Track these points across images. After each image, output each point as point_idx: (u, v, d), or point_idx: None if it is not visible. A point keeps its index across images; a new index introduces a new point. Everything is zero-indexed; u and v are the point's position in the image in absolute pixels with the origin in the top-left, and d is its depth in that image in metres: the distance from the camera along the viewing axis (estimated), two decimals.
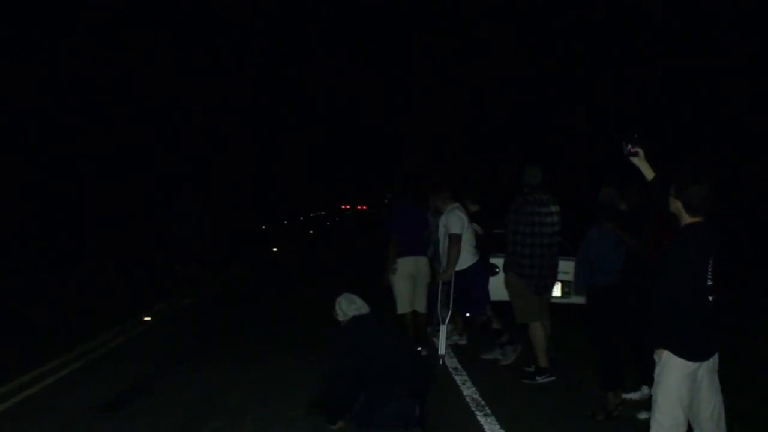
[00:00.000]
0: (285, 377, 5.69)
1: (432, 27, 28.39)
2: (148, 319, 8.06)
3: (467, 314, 6.22)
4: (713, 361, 3.31)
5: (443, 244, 6.20)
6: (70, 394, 5.18)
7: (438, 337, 6.55)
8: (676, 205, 3.34)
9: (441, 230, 6.26)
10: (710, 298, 3.21)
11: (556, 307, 6.54)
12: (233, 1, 30.73)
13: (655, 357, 3.31)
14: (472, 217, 6.60)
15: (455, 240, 6.04)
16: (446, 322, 6.19)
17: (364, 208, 56.27)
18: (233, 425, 4.52)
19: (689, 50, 16.21)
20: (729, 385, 3.65)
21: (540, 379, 5.58)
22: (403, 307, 6.41)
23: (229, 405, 4.93)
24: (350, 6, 35.46)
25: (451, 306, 6.43)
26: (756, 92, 15.04)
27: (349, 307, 4.78)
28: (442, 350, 6.11)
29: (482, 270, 6.30)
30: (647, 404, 3.57)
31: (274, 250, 18.49)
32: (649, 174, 3.64)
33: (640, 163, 3.66)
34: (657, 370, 3.31)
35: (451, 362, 6.19)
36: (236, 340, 7.13)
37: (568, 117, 19.15)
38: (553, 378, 5.59)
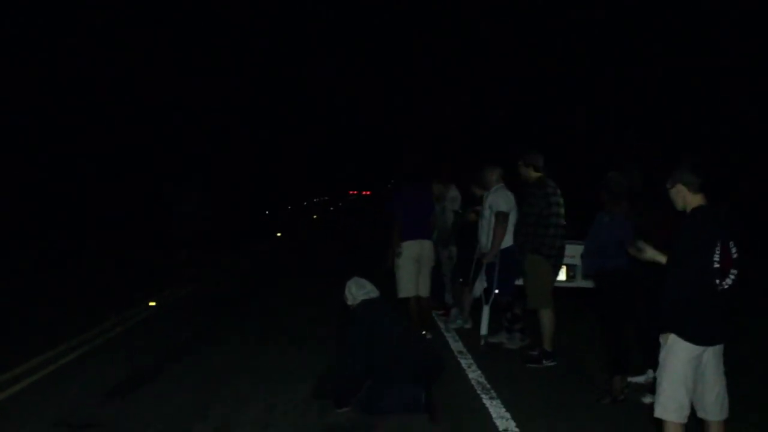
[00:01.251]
0: (290, 362, 5.74)
1: (432, 27, 28.40)
2: (153, 304, 8.16)
3: (496, 291, 6.19)
4: (719, 346, 3.33)
5: (489, 223, 6.18)
6: (74, 380, 5.25)
7: (444, 321, 6.87)
8: (678, 191, 3.36)
9: (486, 211, 6.26)
10: (717, 281, 3.21)
11: (561, 291, 6.56)
12: (233, 1, 30.75)
13: (661, 340, 3.33)
14: (478, 201, 6.75)
15: (502, 218, 6.03)
16: (489, 303, 6.20)
17: (368, 193, 60.49)
18: (239, 409, 4.57)
19: (689, 50, 16.20)
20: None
21: (546, 363, 5.65)
22: (406, 291, 6.39)
23: (234, 389, 4.99)
24: (350, 6, 35.48)
25: (473, 287, 6.49)
26: (756, 92, 15.03)
27: (359, 291, 4.80)
28: (484, 330, 6.15)
29: None
30: (652, 388, 3.62)
31: (278, 234, 18.68)
32: (661, 258, 3.59)
33: (653, 256, 3.66)
34: (662, 353, 3.33)
35: (457, 345, 6.27)
36: (241, 326, 7.18)
37: (568, 117, 19.15)
38: (556, 363, 5.66)
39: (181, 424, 4.32)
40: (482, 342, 6.14)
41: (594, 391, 4.94)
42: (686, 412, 3.30)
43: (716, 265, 3.20)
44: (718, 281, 3.21)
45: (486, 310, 6.18)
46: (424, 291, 6.52)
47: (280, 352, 6.04)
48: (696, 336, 3.23)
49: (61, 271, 12.67)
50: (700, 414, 3.39)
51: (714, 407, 3.34)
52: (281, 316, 7.69)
